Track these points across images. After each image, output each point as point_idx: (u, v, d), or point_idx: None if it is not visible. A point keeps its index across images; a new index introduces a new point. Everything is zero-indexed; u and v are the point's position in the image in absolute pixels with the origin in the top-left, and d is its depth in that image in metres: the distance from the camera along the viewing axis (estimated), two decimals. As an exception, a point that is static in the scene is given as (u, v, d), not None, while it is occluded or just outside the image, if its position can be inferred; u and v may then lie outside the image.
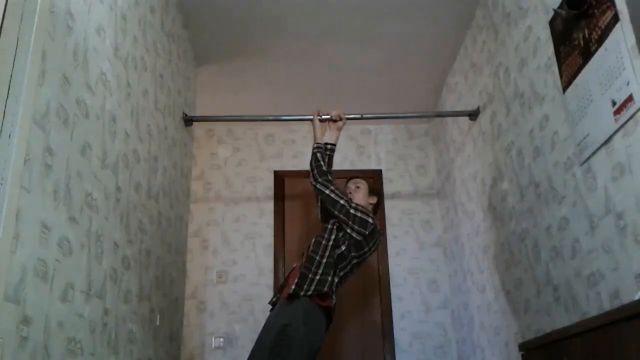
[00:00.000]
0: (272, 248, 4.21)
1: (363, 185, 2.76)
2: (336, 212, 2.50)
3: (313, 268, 2.40)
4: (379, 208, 2.82)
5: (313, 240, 2.53)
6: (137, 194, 2.33)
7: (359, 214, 2.49)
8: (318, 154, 2.65)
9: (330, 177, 2.59)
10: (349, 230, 2.47)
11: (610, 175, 1.83)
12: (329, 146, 2.78)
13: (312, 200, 3.22)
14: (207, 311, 4.03)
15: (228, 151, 4.51)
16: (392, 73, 3.87)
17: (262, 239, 4.24)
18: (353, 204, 2.52)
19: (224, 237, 4.24)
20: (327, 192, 2.54)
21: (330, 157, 2.75)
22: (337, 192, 2.55)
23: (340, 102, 3.61)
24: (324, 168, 2.61)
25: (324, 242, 2.47)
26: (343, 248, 2.46)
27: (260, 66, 3.81)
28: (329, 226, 2.54)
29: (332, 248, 2.45)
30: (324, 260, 2.42)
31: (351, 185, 2.76)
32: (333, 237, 2.48)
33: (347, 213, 2.48)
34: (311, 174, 2.62)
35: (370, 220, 2.50)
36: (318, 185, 2.57)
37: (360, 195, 2.71)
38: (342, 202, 2.51)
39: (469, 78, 3.47)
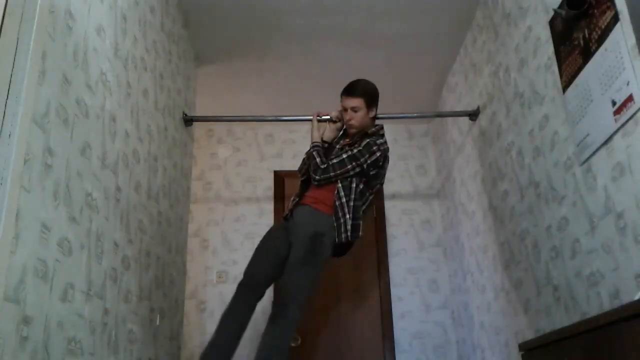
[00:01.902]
0: (272, 248, 4.20)
1: (359, 103, 2.60)
2: (355, 177, 2.54)
3: (355, 213, 2.50)
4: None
5: (340, 185, 2.53)
6: (137, 194, 2.33)
7: (369, 160, 2.53)
8: (314, 152, 2.64)
9: (325, 166, 2.56)
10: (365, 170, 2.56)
11: (610, 175, 1.83)
12: (325, 144, 2.75)
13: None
14: (207, 311, 4.02)
15: (228, 151, 4.50)
16: (392, 73, 3.87)
17: (262, 239, 4.23)
18: (361, 159, 2.51)
19: (224, 237, 4.24)
20: (332, 174, 2.54)
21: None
22: (338, 164, 2.54)
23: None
24: (320, 164, 2.57)
25: (350, 186, 2.54)
26: (362, 186, 2.55)
27: (260, 66, 3.81)
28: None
29: (356, 191, 2.53)
30: (351, 204, 2.51)
31: (347, 105, 2.62)
32: (354, 180, 2.55)
33: (362, 171, 2.54)
34: (311, 174, 2.59)
35: (378, 154, 2.53)
36: (323, 181, 2.56)
37: (359, 116, 2.63)
38: (350, 167, 2.52)
39: (469, 78, 3.47)
